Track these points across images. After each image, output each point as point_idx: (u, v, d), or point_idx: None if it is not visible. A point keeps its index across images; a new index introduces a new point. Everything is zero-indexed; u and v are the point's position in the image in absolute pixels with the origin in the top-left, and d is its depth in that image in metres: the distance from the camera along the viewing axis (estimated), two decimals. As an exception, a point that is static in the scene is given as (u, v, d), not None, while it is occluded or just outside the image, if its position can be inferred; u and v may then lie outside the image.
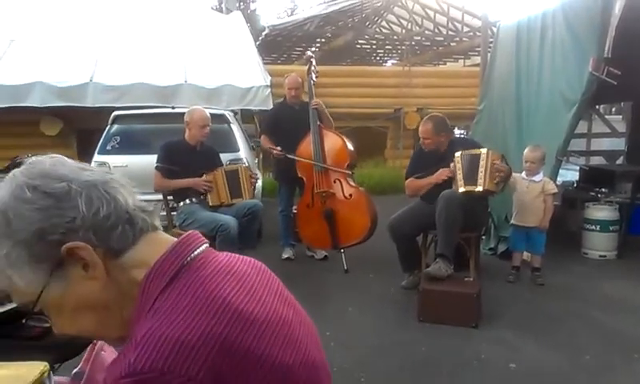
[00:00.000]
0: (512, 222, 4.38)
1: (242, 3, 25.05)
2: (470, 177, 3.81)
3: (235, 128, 5.43)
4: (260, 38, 12.85)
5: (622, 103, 9.03)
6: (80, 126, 9.15)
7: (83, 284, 0.70)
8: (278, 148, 4.64)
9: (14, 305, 1.56)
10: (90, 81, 8.28)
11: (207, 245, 0.80)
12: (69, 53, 9.13)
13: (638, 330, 3.32)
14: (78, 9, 11.51)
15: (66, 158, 0.76)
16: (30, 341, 1.61)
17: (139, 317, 0.70)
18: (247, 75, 8.77)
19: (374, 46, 15.27)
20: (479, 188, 3.78)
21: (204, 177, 4.00)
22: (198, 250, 0.76)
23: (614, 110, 10.72)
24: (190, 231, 0.81)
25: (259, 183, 5.59)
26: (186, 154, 4.05)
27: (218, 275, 0.75)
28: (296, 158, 4.58)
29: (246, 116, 8.53)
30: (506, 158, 4.07)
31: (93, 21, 10.52)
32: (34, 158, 0.74)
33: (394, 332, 3.33)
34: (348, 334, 3.29)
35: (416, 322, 3.41)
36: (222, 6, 15.51)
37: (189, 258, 0.74)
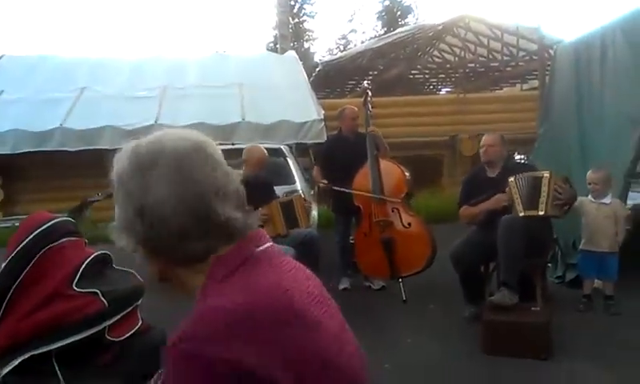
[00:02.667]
0: (581, 247, 4.17)
1: (296, 42, 25.83)
2: (531, 201, 3.66)
3: (291, 161, 5.56)
4: (313, 74, 13.15)
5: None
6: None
7: None
8: (324, 181, 4.69)
9: (89, 332, 1.64)
10: (155, 122, 8.75)
11: (270, 244, 0.91)
12: (136, 97, 9.74)
13: None
14: (143, 55, 12.30)
15: None
16: (103, 368, 1.69)
17: (203, 294, 0.83)
18: (301, 110, 9.02)
19: (426, 76, 15.24)
20: (541, 212, 3.64)
21: (259, 210, 4.10)
22: (262, 247, 0.88)
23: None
24: (256, 229, 0.92)
25: (314, 213, 5.64)
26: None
27: (275, 269, 0.86)
28: (343, 189, 4.58)
29: (300, 149, 8.72)
30: (570, 181, 3.92)
31: (156, 66, 11.18)
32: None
33: (456, 365, 3.21)
34: (407, 367, 3.21)
35: (480, 354, 3.27)
36: (277, 46, 16.07)
37: (253, 253, 0.86)
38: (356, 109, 4.97)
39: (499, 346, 3.22)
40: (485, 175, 4.09)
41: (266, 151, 4.30)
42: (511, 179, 3.75)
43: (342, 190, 4.59)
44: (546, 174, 3.68)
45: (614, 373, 2.97)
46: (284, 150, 5.57)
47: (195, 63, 11.38)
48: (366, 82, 5.09)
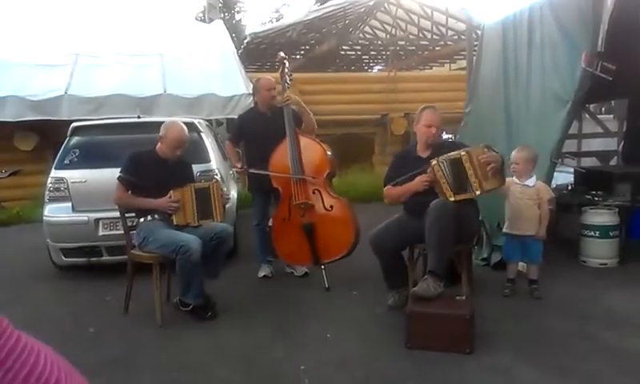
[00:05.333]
0: (505, 230, 4.05)
1: (226, 13, 24.79)
2: (460, 185, 3.41)
3: (206, 137, 5.06)
4: (242, 46, 12.56)
5: (613, 102, 8.80)
6: (58, 140, 8.87)
7: None
8: (239, 165, 4.29)
9: None
10: (65, 93, 7.98)
11: None
12: (43, 66, 8.78)
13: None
14: (53, 21, 11.17)
15: None
16: None
17: None
18: (229, 84, 8.50)
19: (358, 52, 15.02)
20: (477, 192, 3.38)
21: (170, 195, 3.62)
22: None
23: (603, 109, 10.52)
24: None
25: (233, 194, 5.23)
26: (155, 166, 3.66)
27: None
28: (260, 172, 4.20)
29: (232, 125, 8.27)
30: (492, 147, 3.57)
31: (68, 32, 10.19)
32: None
33: (378, 362, 2.96)
34: (325, 368, 2.92)
35: (403, 348, 3.05)
36: (205, 15, 15.22)
37: None
38: (272, 79, 4.55)
39: (423, 340, 3.00)
40: (415, 154, 3.79)
41: (187, 130, 3.79)
42: (434, 162, 3.46)
43: (259, 172, 4.21)
44: (463, 153, 3.39)
45: (536, 364, 2.83)
46: (197, 124, 5.05)
47: (113, 30, 10.46)
48: (282, 52, 4.63)
